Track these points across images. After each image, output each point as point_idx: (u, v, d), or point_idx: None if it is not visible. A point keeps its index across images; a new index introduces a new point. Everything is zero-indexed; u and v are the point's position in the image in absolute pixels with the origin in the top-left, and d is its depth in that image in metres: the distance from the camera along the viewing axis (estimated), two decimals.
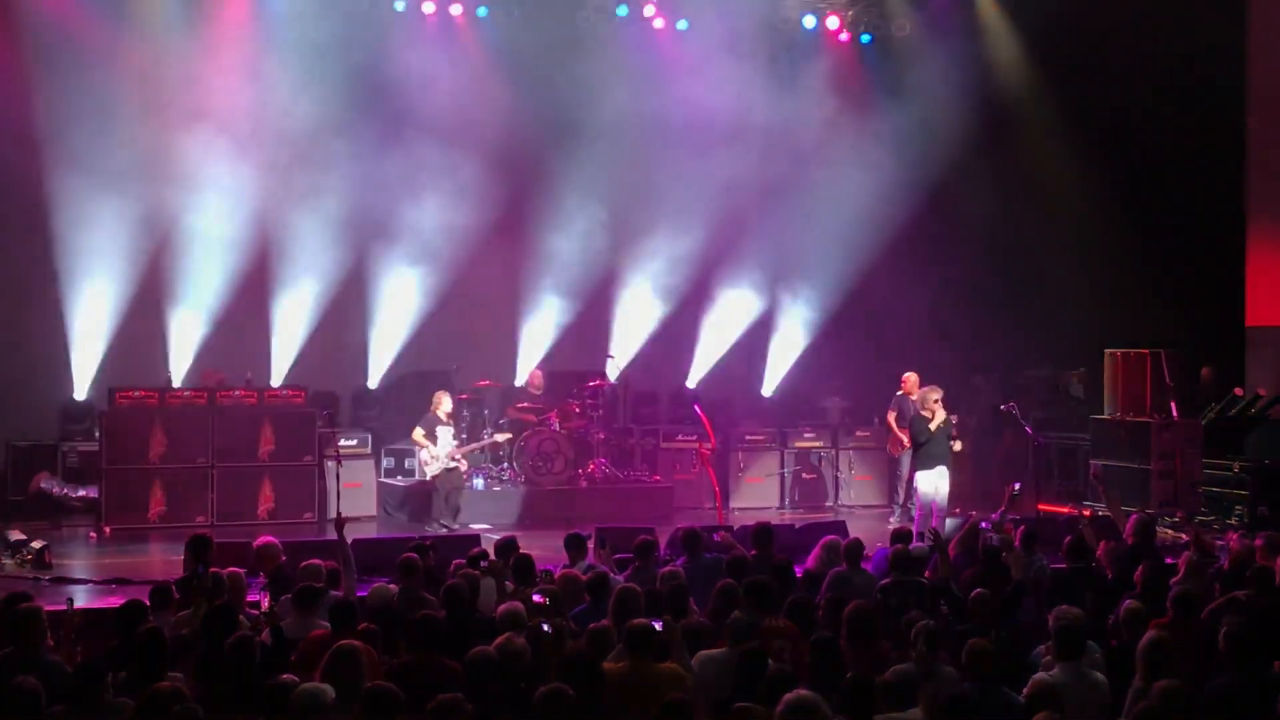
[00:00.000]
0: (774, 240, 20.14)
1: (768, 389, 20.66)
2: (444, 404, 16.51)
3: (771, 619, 8.61)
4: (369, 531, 15.66)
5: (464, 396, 17.51)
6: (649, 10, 19.60)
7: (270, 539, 11.05)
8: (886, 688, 7.02)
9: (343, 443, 16.54)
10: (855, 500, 18.60)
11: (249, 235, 17.90)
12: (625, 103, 19.25)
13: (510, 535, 11.55)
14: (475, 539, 13.37)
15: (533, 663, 7.69)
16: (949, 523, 14.16)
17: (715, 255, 19.93)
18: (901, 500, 17.10)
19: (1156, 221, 19.39)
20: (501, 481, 17.50)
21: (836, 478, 18.79)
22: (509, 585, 9.87)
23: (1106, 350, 17.76)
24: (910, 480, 15.83)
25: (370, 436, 17.78)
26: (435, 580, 9.90)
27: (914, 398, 15.96)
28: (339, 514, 11.57)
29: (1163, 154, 19.30)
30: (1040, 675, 7.52)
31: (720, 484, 17.50)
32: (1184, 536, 13.83)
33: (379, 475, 17.59)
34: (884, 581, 10.18)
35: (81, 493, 16.73)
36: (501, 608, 8.62)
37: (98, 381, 17.63)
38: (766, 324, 20.52)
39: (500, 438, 17.30)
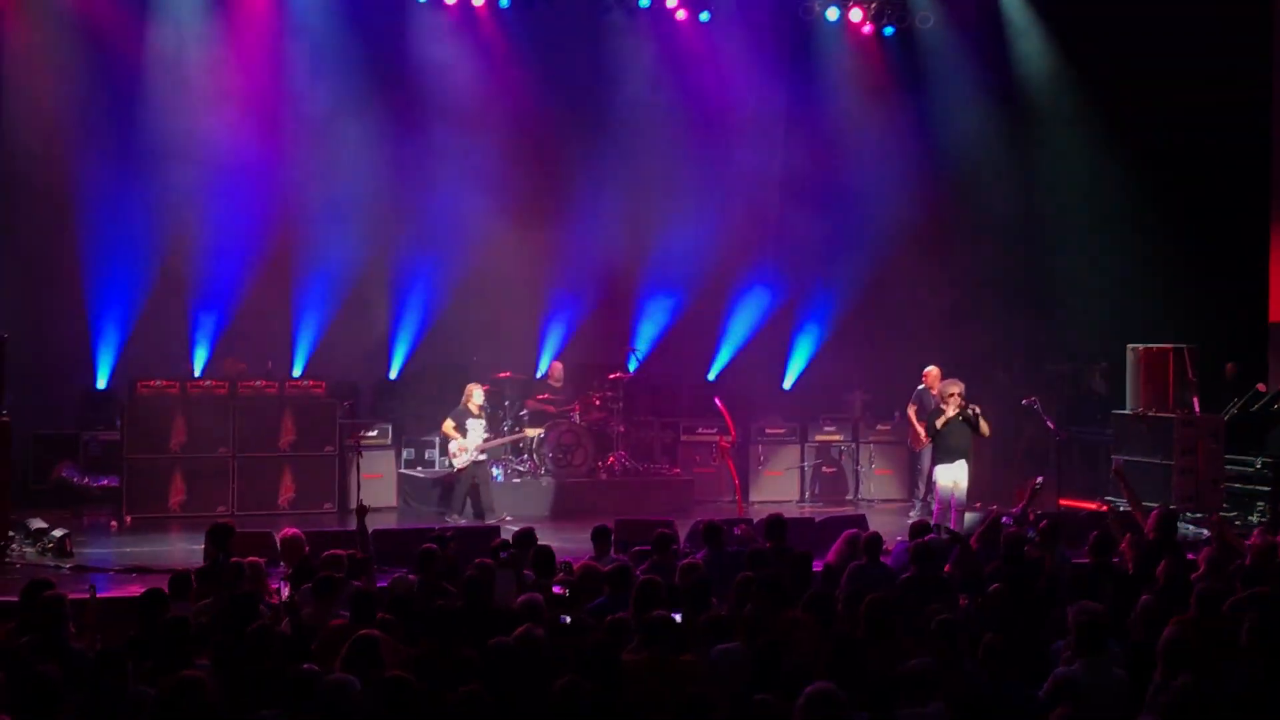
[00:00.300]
0: (795, 232, 20.11)
1: (788, 382, 20.63)
2: (476, 396, 16.51)
3: (787, 611, 8.60)
4: (389, 522, 15.68)
5: (484, 388, 17.50)
6: (671, 1, 19.55)
7: (295, 531, 11.07)
8: (906, 680, 6.99)
9: (363, 433, 16.58)
10: (875, 494, 18.57)
11: (270, 226, 17.94)
12: (647, 94, 19.29)
13: (528, 527, 11.55)
14: (495, 531, 13.41)
15: (552, 654, 7.69)
16: (969, 517, 14.14)
17: (736, 247, 19.91)
18: (922, 494, 17.06)
19: (1181, 216, 19.28)
20: (521, 474, 17.50)
21: (857, 471, 18.77)
22: (528, 576, 9.88)
23: (1129, 345, 17.69)
24: (931, 474, 15.80)
25: (391, 427, 17.79)
26: (455, 571, 9.92)
27: (935, 391, 15.93)
28: (360, 502, 11.59)
29: (1187, 148, 19.18)
30: (1060, 670, 7.49)
31: (740, 477, 17.49)
32: (1206, 532, 13.78)
33: (399, 466, 17.61)
34: (904, 575, 10.16)
35: (103, 482, 16.80)
36: (521, 599, 8.62)
37: (119, 371, 17.70)
38: (787, 316, 20.49)
39: (531, 432, 17.27)
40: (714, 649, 7.95)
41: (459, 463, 16.33)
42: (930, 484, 15.83)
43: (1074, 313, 20.10)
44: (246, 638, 7.62)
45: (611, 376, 17.95)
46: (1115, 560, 10.65)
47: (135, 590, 10.01)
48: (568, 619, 8.33)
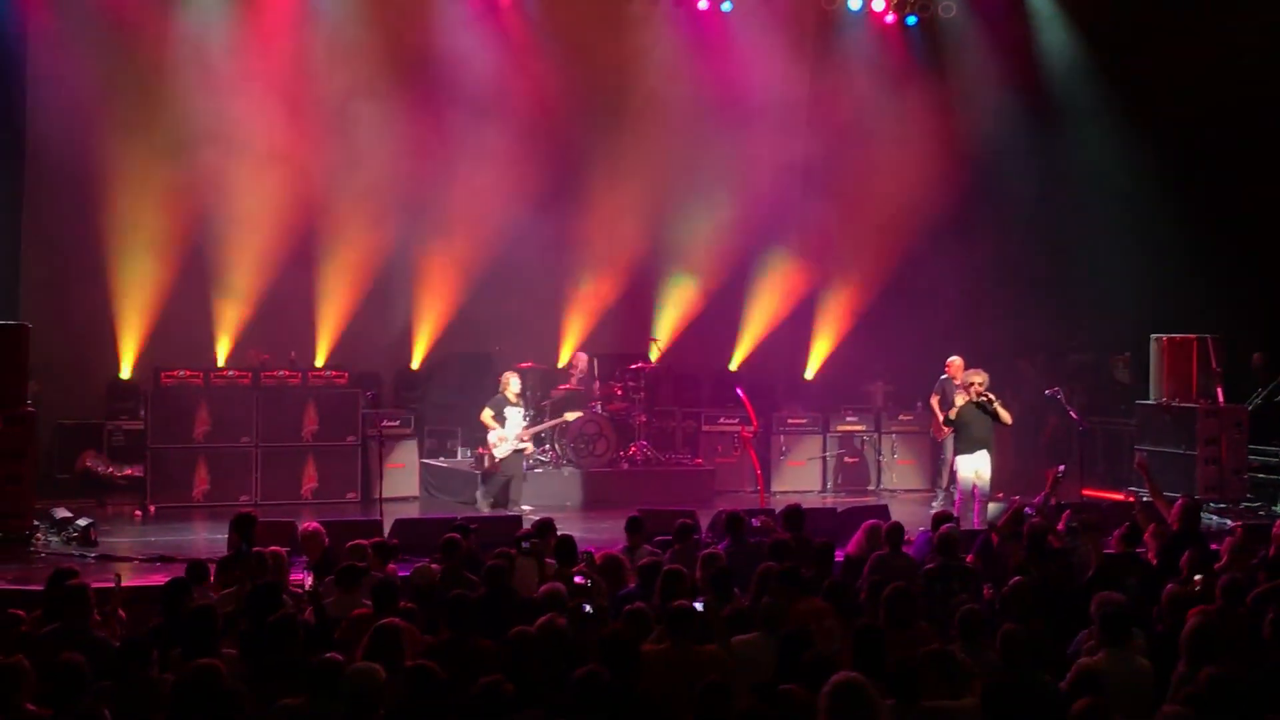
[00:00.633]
0: (818, 222, 20.05)
1: (810, 372, 20.60)
2: (513, 384, 16.51)
3: (806, 601, 8.58)
4: (411, 511, 15.71)
5: (519, 375, 17.44)
6: None
7: (315, 525, 11.08)
8: (927, 664, 6.92)
9: (385, 423, 16.61)
10: (898, 484, 18.54)
11: (294, 216, 17.95)
12: (670, 82, 19.25)
13: (547, 516, 11.55)
14: (518, 520, 13.42)
15: (574, 643, 7.68)
16: (991, 507, 14.09)
17: (758, 236, 19.87)
18: (945, 485, 17.02)
19: (1205, 205, 19.17)
20: (542, 463, 17.50)
21: (879, 461, 18.74)
22: (550, 565, 9.89)
23: (1153, 335, 17.62)
24: (953, 464, 15.75)
25: (413, 417, 17.80)
26: (477, 560, 9.93)
27: (958, 381, 15.88)
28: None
29: (1212, 136, 19.08)
30: (1084, 660, 7.46)
31: (762, 467, 17.47)
32: (1230, 522, 13.74)
33: (421, 456, 17.62)
34: (928, 566, 10.13)
35: (127, 471, 16.88)
36: (543, 588, 8.63)
37: (143, 361, 17.75)
38: (809, 306, 20.46)
39: (570, 416, 17.19)
40: (734, 639, 7.96)
41: (500, 452, 16.27)
42: (953, 474, 15.79)
43: (1097, 302, 20.02)
44: (270, 627, 7.64)
45: (633, 366, 17.95)
46: (1140, 550, 10.62)
47: (159, 579, 10.06)
48: (589, 608, 8.32)
